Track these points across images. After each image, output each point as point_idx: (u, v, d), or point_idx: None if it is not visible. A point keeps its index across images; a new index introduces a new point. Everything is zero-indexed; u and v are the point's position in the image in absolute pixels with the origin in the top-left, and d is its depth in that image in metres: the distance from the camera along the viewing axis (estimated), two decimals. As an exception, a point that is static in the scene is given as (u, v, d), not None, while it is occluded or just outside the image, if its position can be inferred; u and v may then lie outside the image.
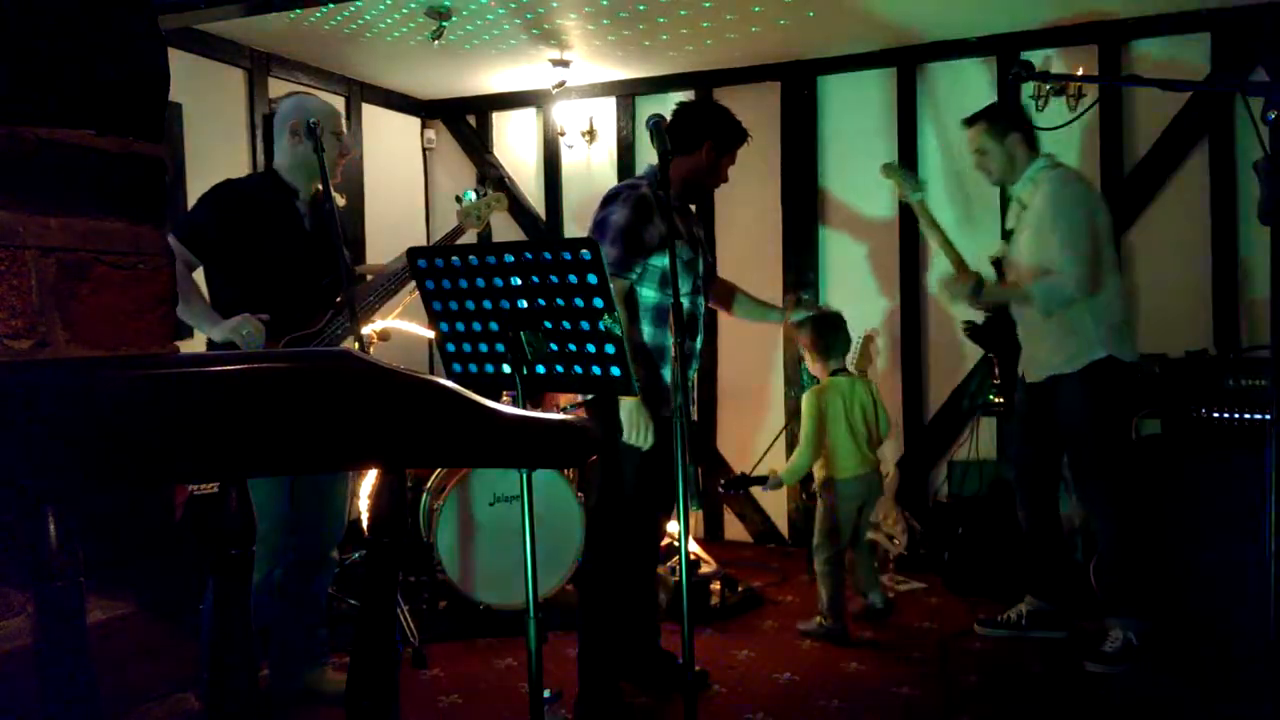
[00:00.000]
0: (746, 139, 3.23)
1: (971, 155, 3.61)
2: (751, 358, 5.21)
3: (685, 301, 2.89)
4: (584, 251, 2.09)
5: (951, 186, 4.81)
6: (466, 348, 2.29)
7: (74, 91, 1.04)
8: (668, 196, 2.66)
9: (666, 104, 3.31)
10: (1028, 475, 3.67)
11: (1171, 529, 3.56)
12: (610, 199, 3.00)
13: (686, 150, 3.10)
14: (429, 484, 4.00)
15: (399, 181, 5.61)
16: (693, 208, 3.33)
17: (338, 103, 5.16)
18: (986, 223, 4.70)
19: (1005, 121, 3.53)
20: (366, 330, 3.46)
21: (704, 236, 3.28)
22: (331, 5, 3.88)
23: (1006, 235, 3.76)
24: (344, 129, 3.17)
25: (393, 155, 5.55)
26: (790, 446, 5.04)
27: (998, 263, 3.71)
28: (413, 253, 2.22)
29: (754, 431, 5.21)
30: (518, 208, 5.60)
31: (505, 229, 5.62)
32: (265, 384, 0.75)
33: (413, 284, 2.37)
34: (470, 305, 2.22)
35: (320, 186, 3.07)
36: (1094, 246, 3.32)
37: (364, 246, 5.25)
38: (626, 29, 4.38)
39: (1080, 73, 4.34)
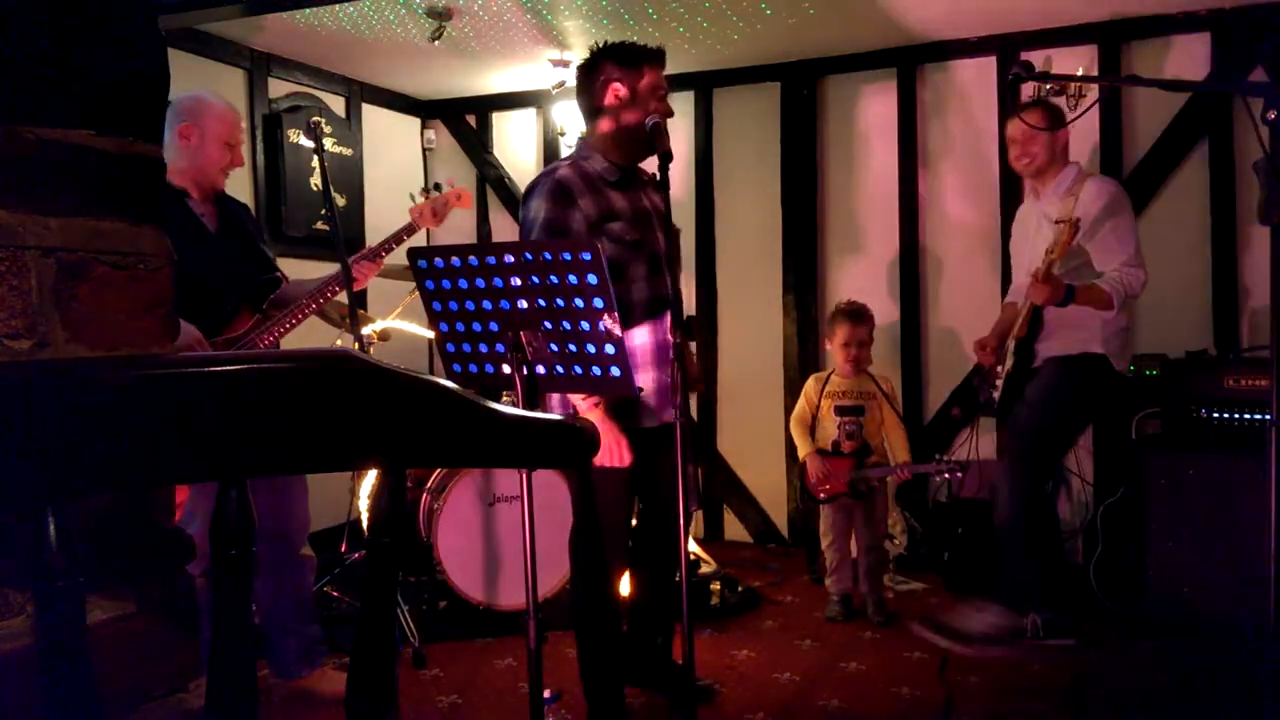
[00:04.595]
0: (650, 56, 2.77)
1: (1015, 143, 3.48)
2: (752, 357, 5.21)
3: (643, 286, 2.73)
4: (584, 252, 2.08)
5: (951, 186, 4.81)
6: (466, 348, 2.29)
7: (74, 91, 1.04)
8: (667, 201, 2.58)
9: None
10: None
11: (1171, 530, 3.56)
12: (528, 194, 2.76)
13: (597, 108, 2.78)
14: (429, 484, 4.00)
15: (399, 182, 5.59)
16: (648, 173, 2.89)
17: (337, 103, 5.16)
18: (986, 221, 4.70)
19: (1058, 114, 3.47)
20: (366, 330, 3.45)
21: (664, 207, 2.60)
22: (332, 5, 3.88)
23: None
24: (241, 139, 3.04)
25: (393, 155, 5.54)
26: (789, 447, 5.04)
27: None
28: (413, 253, 2.22)
29: (754, 432, 5.20)
30: (518, 207, 5.60)
31: (505, 229, 5.63)
32: (265, 384, 0.75)
33: (413, 287, 2.36)
34: (470, 305, 2.22)
35: (223, 185, 3.00)
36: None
37: (364, 247, 5.24)
38: (627, 29, 4.38)
39: (1080, 73, 4.34)
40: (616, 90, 2.75)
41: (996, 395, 3.61)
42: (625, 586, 3.29)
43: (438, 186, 3.38)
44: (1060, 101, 4.37)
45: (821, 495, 3.98)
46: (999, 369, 3.60)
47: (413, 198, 3.38)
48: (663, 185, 2.50)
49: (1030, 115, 3.45)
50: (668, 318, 2.79)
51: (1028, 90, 4.49)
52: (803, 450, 4.05)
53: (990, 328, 3.76)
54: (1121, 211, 3.38)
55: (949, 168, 4.82)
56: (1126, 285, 3.29)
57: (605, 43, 2.83)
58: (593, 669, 2.87)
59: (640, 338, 2.76)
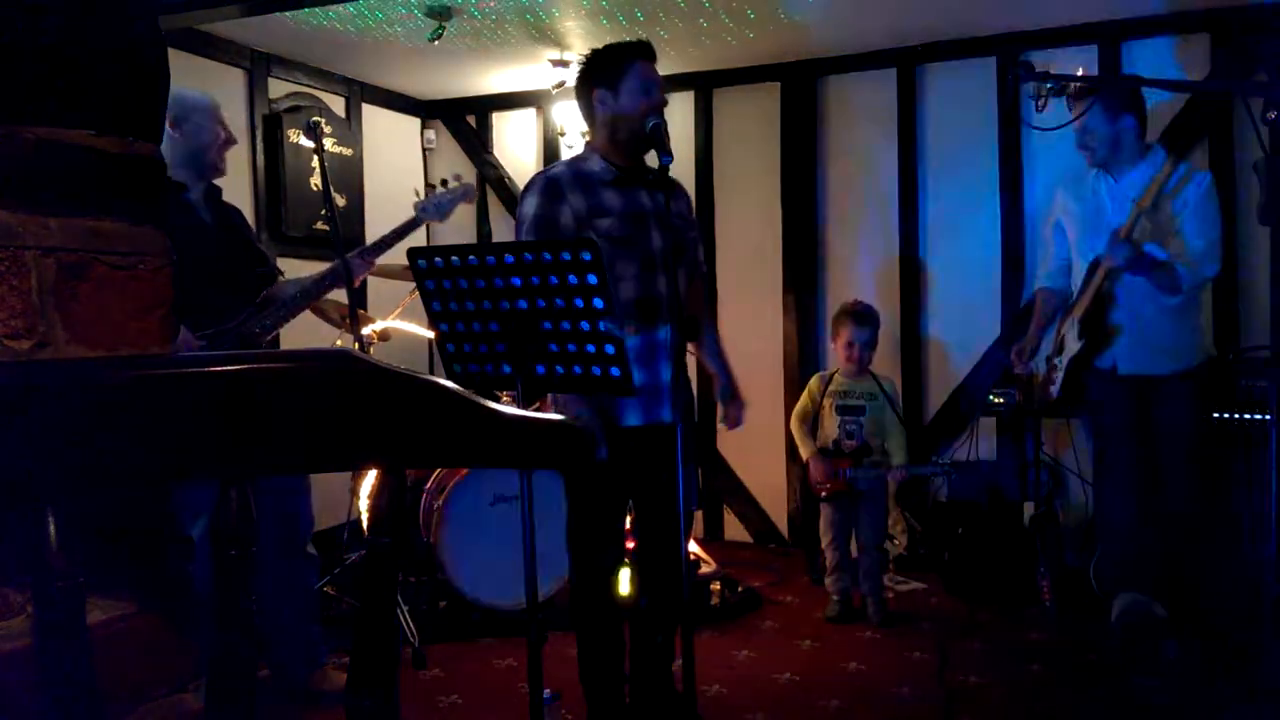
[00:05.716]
0: (629, 53, 2.74)
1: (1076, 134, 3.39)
2: (752, 357, 5.20)
3: (632, 285, 2.69)
4: (584, 252, 2.09)
5: (951, 186, 4.81)
6: (466, 348, 2.29)
7: (74, 91, 1.04)
8: (667, 203, 2.58)
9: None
10: (1135, 475, 3.42)
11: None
12: (523, 192, 2.77)
13: (590, 117, 2.81)
14: (429, 484, 4.00)
15: (399, 182, 5.61)
16: (653, 171, 2.79)
17: (337, 103, 5.16)
18: (985, 221, 4.70)
19: (1119, 103, 3.37)
20: (366, 330, 3.45)
21: (671, 205, 2.62)
22: (331, 5, 3.88)
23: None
24: (224, 120, 3.05)
25: (393, 155, 5.54)
26: (789, 447, 5.04)
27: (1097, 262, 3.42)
28: (413, 253, 2.22)
29: (754, 432, 5.19)
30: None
31: (506, 229, 5.63)
32: (265, 384, 0.75)
33: (412, 287, 2.36)
34: (470, 305, 2.22)
35: (216, 178, 3.01)
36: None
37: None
38: (626, 29, 4.38)
39: (1080, 73, 4.33)
40: (602, 98, 2.75)
41: (1055, 390, 3.48)
42: (625, 586, 3.28)
43: (444, 182, 3.37)
44: (1060, 101, 4.37)
45: (823, 494, 3.99)
46: (1056, 361, 3.50)
47: (417, 193, 3.37)
48: (667, 184, 2.51)
49: (1077, 110, 3.34)
50: (658, 318, 2.75)
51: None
52: (805, 450, 4.06)
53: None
54: (1209, 200, 3.32)
55: (949, 167, 4.82)
56: (1199, 272, 3.24)
57: (588, 53, 2.84)
58: (592, 669, 2.87)
59: (628, 337, 2.71)
